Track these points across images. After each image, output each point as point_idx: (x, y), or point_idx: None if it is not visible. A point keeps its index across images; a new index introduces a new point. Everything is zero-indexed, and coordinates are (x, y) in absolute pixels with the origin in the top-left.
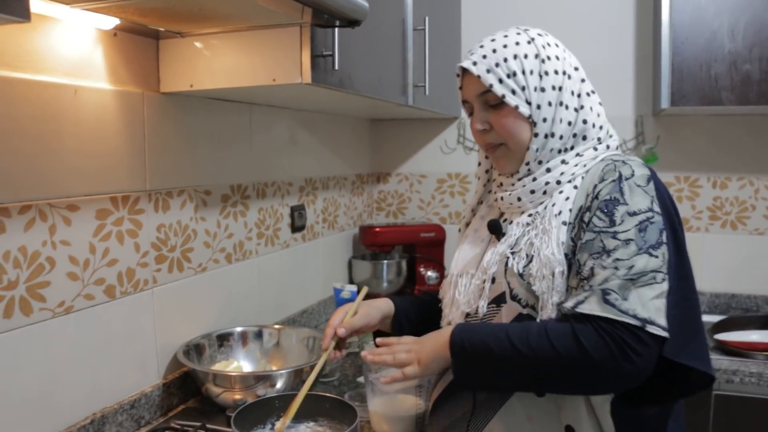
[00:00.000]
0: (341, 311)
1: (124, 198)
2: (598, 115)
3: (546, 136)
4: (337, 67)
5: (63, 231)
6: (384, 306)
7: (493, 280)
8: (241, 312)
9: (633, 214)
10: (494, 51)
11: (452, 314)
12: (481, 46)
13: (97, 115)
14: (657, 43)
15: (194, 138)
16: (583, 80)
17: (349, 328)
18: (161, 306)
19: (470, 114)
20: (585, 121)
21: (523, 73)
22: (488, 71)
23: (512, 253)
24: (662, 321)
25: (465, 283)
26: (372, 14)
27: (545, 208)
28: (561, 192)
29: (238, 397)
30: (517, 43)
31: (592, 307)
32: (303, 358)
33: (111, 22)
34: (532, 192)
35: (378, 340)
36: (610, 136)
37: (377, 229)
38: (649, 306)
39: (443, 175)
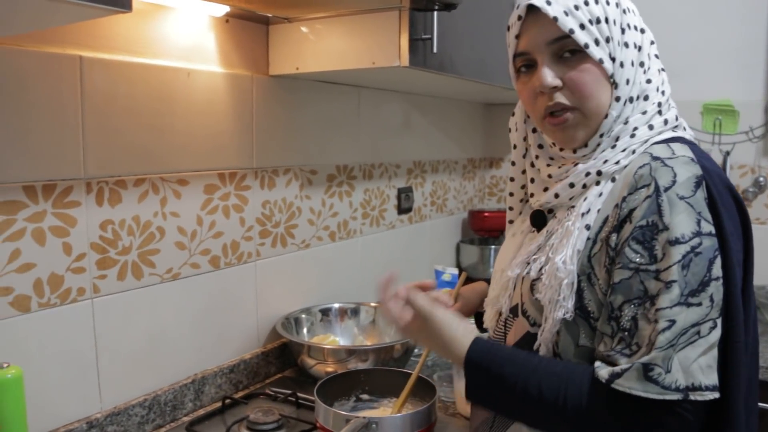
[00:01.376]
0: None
1: (231, 174)
2: (663, 82)
3: (625, 102)
4: (435, 50)
5: (173, 203)
6: (482, 290)
7: (515, 285)
8: (343, 289)
9: (675, 242)
10: None
11: (487, 317)
12: None
13: (208, 96)
14: None
15: (301, 119)
16: (652, 42)
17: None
18: (264, 278)
19: (520, 70)
20: (649, 81)
21: (607, 21)
22: (567, 14)
23: (534, 259)
24: (710, 379)
25: (499, 280)
26: None
27: (585, 199)
28: (598, 184)
29: (330, 369)
30: None
31: (631, 385)
32: (397, 335)
33: (222, 9)
34: (571, 186)
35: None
36: (671, 107)
37: (486, 214)
38: (692, 369)
39: None
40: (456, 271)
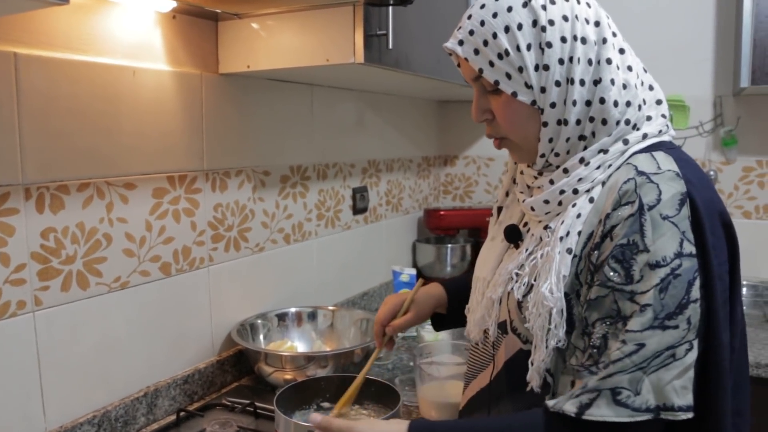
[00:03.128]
0: (391, 304)
1: (181, 177)
2: (624, 88)
3: (559, 123)
4: (391, 47)
5: (120, 209)
6: (437, 293)
7: (501, 301)
8: (300, 293)
9: (655, 265)
10: (482, 24)
11: (471, 328)
12: (469, 17)
13: (155, 96)
14: (739, 17)
15: (253, 119)
16: (605, 40)
17: (399, 328)
18: (217, 284)
19: None
20: (603, 100)
21: (518, 49)
22: (476, 52)
23: (517, 275)
24: (684, 400)
25: (481, 289)
26: None
27: (562, 222)
28: (574, 205)
29: (288, 376)
30: (510, 9)
31: (602, 412)
32: (357, 339)
33: (169, 4)
34: (546, 202)
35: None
36: (648, 118)
37: (442, 213)
38: (665, 391)
39: None
40: (414, 272)
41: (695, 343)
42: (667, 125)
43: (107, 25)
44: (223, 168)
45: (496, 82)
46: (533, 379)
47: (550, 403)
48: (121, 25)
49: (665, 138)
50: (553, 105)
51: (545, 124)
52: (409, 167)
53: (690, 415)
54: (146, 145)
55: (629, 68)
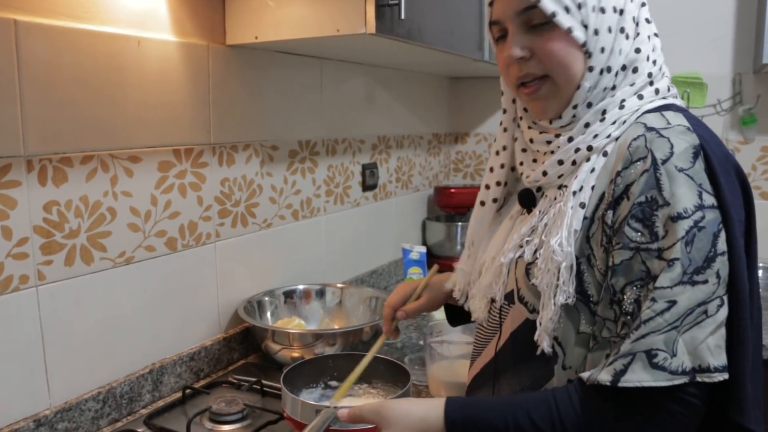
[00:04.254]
0: (403, 290)
1: (187, 151)
2: (653, 49)
3: (601, 72)
4: (403, 17)
5: (125, 182)
6: (449, 283)
7: (509, 269)
8: (308, 270)
9: (677, 217)
10: None
11: (476, 303)
12: None
13: (160, 66)
14: None
15: (261, 92)
16: (643, 3)
17: (411, 313)
18: (224, 260)
19: (498, 39)
20: (638, 50)
21: None
22: None
23: (528, 240)
24: (719, 360)
25: (487, 265)
26: None
27: (575, 177)
28: (588, 160)
29: (296, 354)
30: None
31: (639, 377)
32: (365, 317)
33: None
34: (560, 163)
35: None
36: (663, 75)
37: (452, 190)
38: (699, 350)
39: None
40: (424, 249)
41: (725, 299)
42: (669, 87)
43: None
44: (230, 142)
45: (553, 14)
46: (542, 339)
47: (584, 375)
48: None
49: (676, 101)
50: (602, 50)
51: (590, 69)
52: (420, 144)
53: (726, 375)
54: (151, 117)
55: (656, 34)
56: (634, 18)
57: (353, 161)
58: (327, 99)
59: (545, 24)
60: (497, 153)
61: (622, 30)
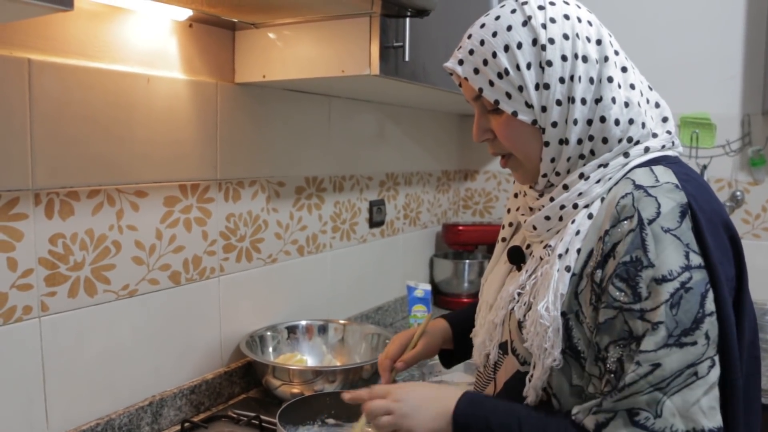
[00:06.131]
0: (399, 340)
1: (194, 186)
2: (626, 106)
3: (560, 142)
4: (407, 59)
5: (130, 216)
6: (443, 328)
7: (503, 322)
8: (311, 306)
9: (662, 280)
10: (482, 43)
11: (474, 352)
12: (469, 37)
13: (169, 104)
14: None
15: (269, 129)
16: (606, 58)
17: (409, 362)
18: (228, 295)
19: None
20: (603, 119)
21: (518, 68)
22: (476, 72)
23: (518, 295)
24: (714, 421)
25: (484, 313)
26: (450, 2)
27: (561, 239)
28: (573, 221)
29: (296, 390)
30: (509, 28)
31: None
32: (367, 354)
33: (185, 13)
34: (547, 219)
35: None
36: (654, 135)
37: (461, 228)
38: (692, 413)
39: None
40: (428, 287)
41: (716, 359)
42: (672, 141)
43: (123, 33)
44: (236, 178)
45: (496, 102)
46: (529, 395)
47: (574, 410)
48: (136, 33)
49: (669, 153)
50: (554, 124)
51: (547, 144)
52: (429, 181)
53: None
54: (158, 153)
55: (632, 86)
56: (591, 79)
57: (360, 198)
58: (335, 136)
59: (496, 108)
60: (515, 195)
61: (571, 100)
